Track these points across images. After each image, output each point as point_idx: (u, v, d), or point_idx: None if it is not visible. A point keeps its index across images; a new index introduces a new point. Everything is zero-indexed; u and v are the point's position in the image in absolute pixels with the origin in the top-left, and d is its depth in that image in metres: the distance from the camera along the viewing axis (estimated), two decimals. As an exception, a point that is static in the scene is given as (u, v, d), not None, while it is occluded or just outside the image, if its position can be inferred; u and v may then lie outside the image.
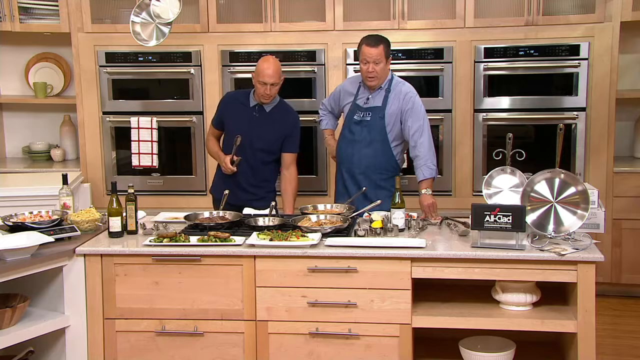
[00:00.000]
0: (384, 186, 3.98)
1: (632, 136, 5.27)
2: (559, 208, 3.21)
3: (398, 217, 3.46)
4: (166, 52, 5.04)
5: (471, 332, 3.39)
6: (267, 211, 3.74)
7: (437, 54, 4.86)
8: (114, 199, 3.44)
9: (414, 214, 3.64)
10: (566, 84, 4.83)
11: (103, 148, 5.21)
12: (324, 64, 4.97)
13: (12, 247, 3.13)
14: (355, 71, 4.93)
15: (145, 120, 5.10)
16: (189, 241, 3.33)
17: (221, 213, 3.72)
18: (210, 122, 4.37)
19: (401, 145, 4.05)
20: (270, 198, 4.02)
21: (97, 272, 3.33)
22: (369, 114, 4.01)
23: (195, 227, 3.59)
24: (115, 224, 3.45)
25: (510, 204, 3.25)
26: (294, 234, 3.34)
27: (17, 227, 3.44)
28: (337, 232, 3.43)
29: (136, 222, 3.52)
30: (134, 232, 3.51)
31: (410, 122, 3.93)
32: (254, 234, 3.38)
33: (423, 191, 3.85)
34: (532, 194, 3.25)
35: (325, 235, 3.38)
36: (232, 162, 4.06)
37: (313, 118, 4.99)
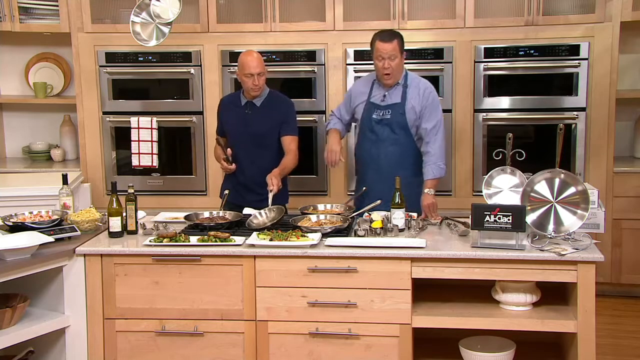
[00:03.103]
0: (413, 182, 3.90)
1: (632, 136, 5.27)
2: (559, 208, 3.21)
3: (398, 217, 3.46)
4: (166, 52, 5.04)
5: (471, 332, 3.38)
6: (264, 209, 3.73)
7: (437, 54, 4.86)
8: (114, 199, 3.44)
9: (414, 214, 3.63)
10: (566, 84, 4.83)
11: (103, 148, 5.21)
12: (324, 64, 4.97)
13: (12, 247, 3.13)
14: (355, 71, 4.94)
15: (145, 120, 5.10)
16: (189, 241, 3.33)
17: (221, 213, 3.72)
18: (214, 129, 4.35)
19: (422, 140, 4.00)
20: (277, 199, 3.88)
21: (97, 272, 3.33)
22: (388, 112, 3.94)
23: (195, 227, 3.59)
24: (115, 224, 3.46)
25: (510, 204, 3.25)
26: (294, 234, 3.34)
27: (17, 227, 3.44)
28: (337, 232, 3.43)
29: (136, 222, 3.52)
30: (134, 232, 3.51)
31: (429, 118, 3.90)
32: (254, 233, 3.38)
33: (426, 190, 3.84)
34: (532, 194, 3.25)
35: (325, 235, 3.38)
36: (227, 161, 4.05)
37: (313, 118, 4.99)
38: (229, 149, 4.05)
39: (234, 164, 4.04)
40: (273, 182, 3.80)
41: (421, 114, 3.91)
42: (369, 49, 4.85)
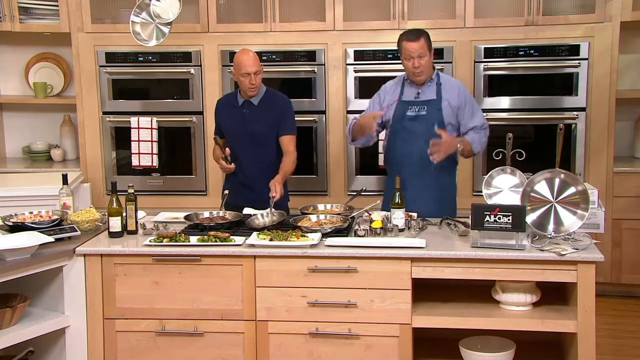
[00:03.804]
0: (445, 183, 3.92)
1: (632, 136, 5.27)
2: (559, 208, 3.21)
3: (398, 217, 3.46)
4: (166, 52, 5.04)
5: (471, 332, 3.38)
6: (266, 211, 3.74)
7: (437, 53, 4.80)
8: (114, 199, 3.44)
9: (414, 214, 3.63)
10: (566, 84, 4.83)
11: (103, 148, 5.21)
12: (324, 64, 4.97)
13: (12, 247, 3.13)
14: (355, 71, 4.94)
15: (145, 120, 5.10)
16: (189, 241, 3.33)
17: (221, 213, 3.72)
18: (214, 129, 4.33)
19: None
20: (279, 204, 3.84)
21: (97, 272, 3.33)
22: (424, 108, 3.88)
23: (195, 227, 3.59)
24: (115, 224, 3.45)
25: (510, 204, 3.24)
26: (294, 234, 3.34)
27: (17, 227, 3.43)
28: (337, 232, 3.43)
29: (136, 222, 3.52)
30: (134, 232, 3.51)
31: (474, 115, 3.90)
32: (254, 233, 3.37)
33: (458, 138, 3.80)
34: (532, 194, 3.25)
35: (325, 235, 3.38)
36: (226, 161, 4.05)
37: (313, 118, 5.00)
38: (227, 149, 4.05)
39: (232, 164, 4.04)
40: (276, 189, 3.78)
41: (460, 112, 3.88)
42: (370, 48, 4.91)
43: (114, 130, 5.20)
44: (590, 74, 4.79)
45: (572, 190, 3.21)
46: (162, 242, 3.33)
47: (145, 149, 5.13)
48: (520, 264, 3.13)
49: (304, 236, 3.33)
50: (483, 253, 3.15)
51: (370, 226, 3.42)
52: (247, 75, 3.94)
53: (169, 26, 4.72)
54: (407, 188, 3.68)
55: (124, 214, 3.48)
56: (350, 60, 4.94)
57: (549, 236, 3.21)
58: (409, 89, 3.95)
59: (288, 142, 4.06)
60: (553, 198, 3.22)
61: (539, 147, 4.78)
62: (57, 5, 5.16)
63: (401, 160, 3.95)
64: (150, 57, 5.08)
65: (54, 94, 5.60)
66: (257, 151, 4.06)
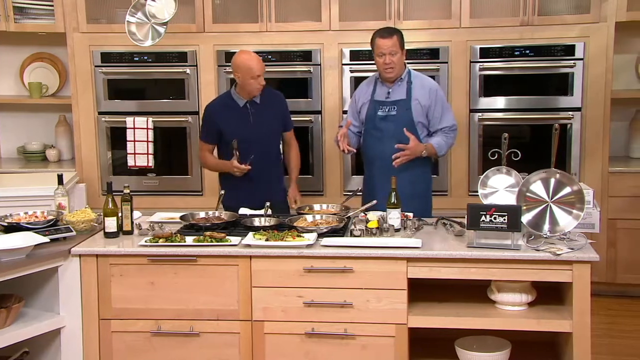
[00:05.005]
0: (420, 179, 3.98)
1: (627, 136, 5.28)
2: (555, 208, 3.22)
3: (394, 217, 3.46)
4: (162, 52, 5.03)
5: (467, 332, 3.39)
6: (262, 211, 3.73)
7: (432, 53, 4.87)
8: (110, 199, 3.44)
9: (410, 214, 3.63)
10: (561, 84, 4.84)
11: (98, 148, 5.20)
12: (320, 64, 4.97)
13: (7, 247, 3.12)
14: (351, 71, 4.94)
15: (140, 121, 5.09)
16: (185, 241, 3.33)
17: (217, 213, 3.72)
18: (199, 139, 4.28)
19: (427, 137, 4.01)
20: (279, 205, 3.91)
21: (93, 273, 3.33)
22: (394, 108, 3.94)
23: (191, 227, 3.58)
24: (111, 224, 3.45)
25: (506, 204, 3.25)
26: (289, 234, 3.34)
27: (12, 228, 3.43)
28: (333, 232, 3.43)
29: (132, 223, 3.51)
30: (130, 233, 3.51)
31: (445, 116, 3.95)
32: (250, 234, 3.37)
33: (423, 144, 3.87)
34: (527, 193, 3.25)
35: (321, 235, 3.38)
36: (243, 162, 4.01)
37: (309, 118, 4.99)
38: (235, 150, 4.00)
39: (249, 165, 3.95)
40: (297, 200, 4.21)
41: (430, 112, 3.92)
42: (365, 48, 4.90)
43: (109, 130, 5.18)
44: (585, 74, 4.80)
45: (567, 190, 3.21)
46: (157, 242, 3.32)
47: (140, 149, 5.12)
48: (515, 264, 3.13)
49: (300, 236, 3.33)
50: (479, 253, 3.15)
51: (366, 226, 3.42)
52: (257, 77, 3.98)
53: (165, 26, 4.71)
54: (382, 187, 3.73)
55: (120, 214, 3.48)
56: (346, 60, 4.94)
57: (545, 236, 3.22)
58: (381, 89, 4.01)
59: (291, 136, 4.27)
60: (548, 198, 3.23)
61: (534, 147, 4.78)
62: (52, 5, 5.15)
63: (373, 160, 4.02)
64: (145, 57, 5.08)
65: (49, 94, 5.58)
66: (263, 150, 4.06)
